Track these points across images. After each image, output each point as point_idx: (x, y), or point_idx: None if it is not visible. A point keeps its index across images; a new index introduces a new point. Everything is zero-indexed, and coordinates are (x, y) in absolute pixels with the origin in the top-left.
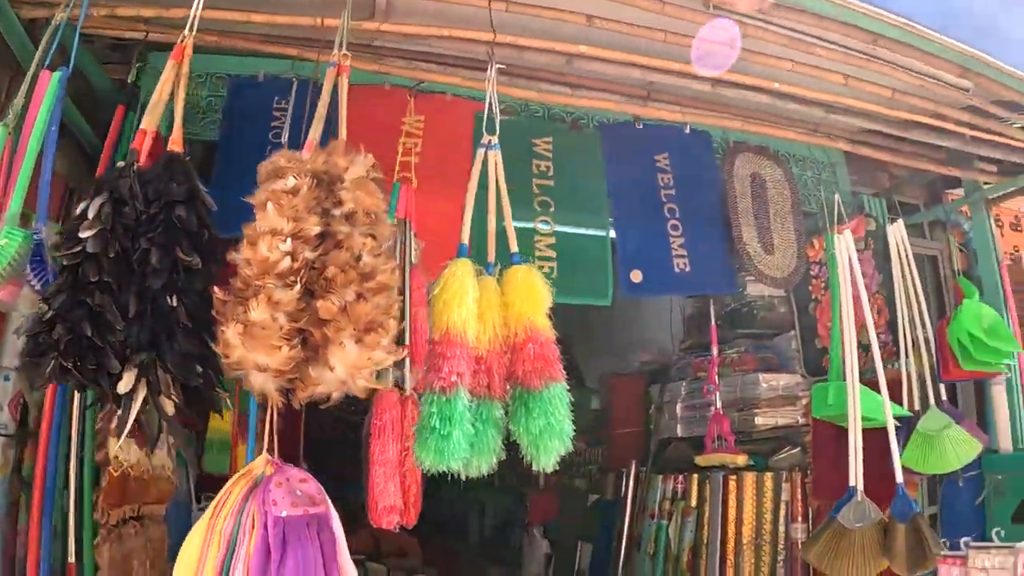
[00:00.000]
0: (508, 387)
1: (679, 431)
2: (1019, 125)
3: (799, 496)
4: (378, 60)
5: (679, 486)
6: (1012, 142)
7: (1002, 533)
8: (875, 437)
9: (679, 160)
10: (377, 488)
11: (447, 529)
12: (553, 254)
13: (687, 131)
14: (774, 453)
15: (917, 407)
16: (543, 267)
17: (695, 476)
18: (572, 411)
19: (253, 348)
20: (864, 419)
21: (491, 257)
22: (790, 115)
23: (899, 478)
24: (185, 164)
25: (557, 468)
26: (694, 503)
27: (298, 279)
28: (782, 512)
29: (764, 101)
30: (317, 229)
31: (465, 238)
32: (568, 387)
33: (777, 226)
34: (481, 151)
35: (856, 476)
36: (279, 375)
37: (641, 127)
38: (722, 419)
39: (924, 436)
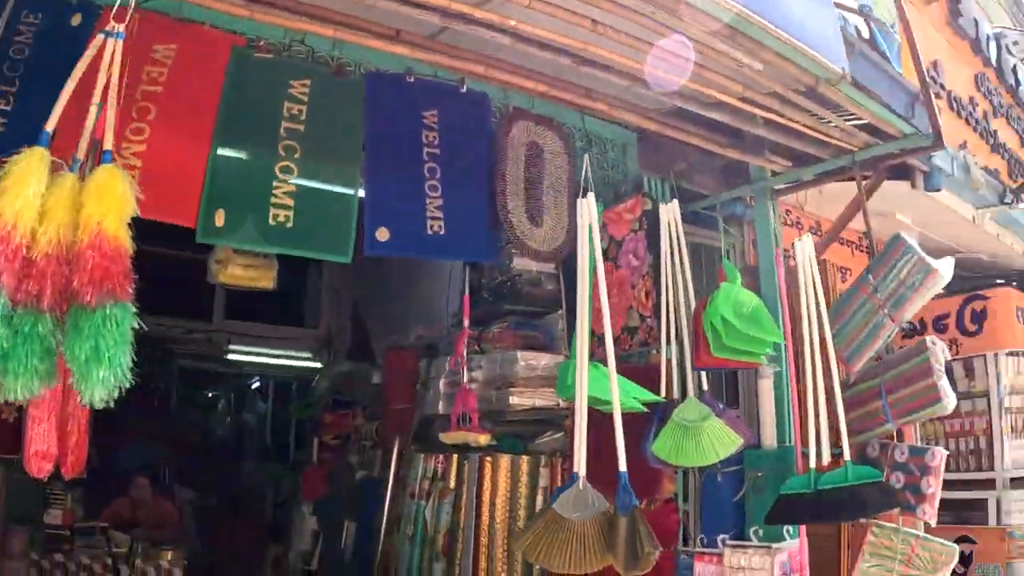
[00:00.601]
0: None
1: (440, 408)
2: (831, 122)
3: (559, 482)
4: None
5: (439, 466)
6: (805, 130)
7: (760, 532)
8: (630, 423)
9: (450, 119)
10: (30, 430)
11: (236, 505)
12: (291, 203)
13: (463, 90)
14: (537, 436)
15: (677, 395)
16: (279, 215)
17: (455, 456)
18: (354, 386)
19: None
20: (598, 401)
21: (81, 153)
22: (546, 69)
23: (622, 466)
24: None
25: (331, 443)
26: (452, 484)
27: None
28: (539, 497)
29: (504, 43)
30: None
31: (49, 126)
32: (353, 359)
33: (549, 199)
34: (100, 37)
35: (579, 462)
36: None
37: (413, 80)
38: (468, 395)
39: (680, 426)
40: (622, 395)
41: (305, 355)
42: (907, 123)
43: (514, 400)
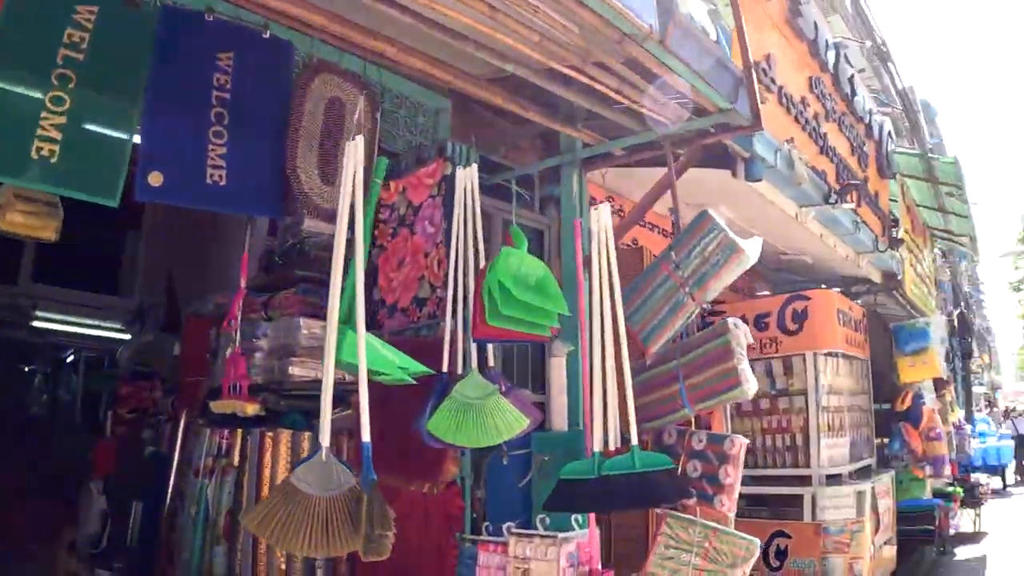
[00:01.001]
0: None
1: None
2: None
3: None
4: None
5: (224, 442)
6: (611, 93)
7: (548, 521)
8: (404, 397)
9: (247, 64)
10: None
11: (36, 485)
12: (59, 136)
13: (266, 35)
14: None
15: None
16: (43, 149)
17: (239, 432)
18: (156, 357)
19: None
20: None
21: None
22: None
23: (365, 437)
24: None
25: (128, 416)
26: (236, 462)
27: None
28: None
29: None
30: None
31: None
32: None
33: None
34: None
35: (324, 432)
36: None
37: (212, 19)
38: (239, 361)
39: (460, 403)
40: (388, 366)
41: (117, 326)
42: (724, 99)
43: (294, 371)
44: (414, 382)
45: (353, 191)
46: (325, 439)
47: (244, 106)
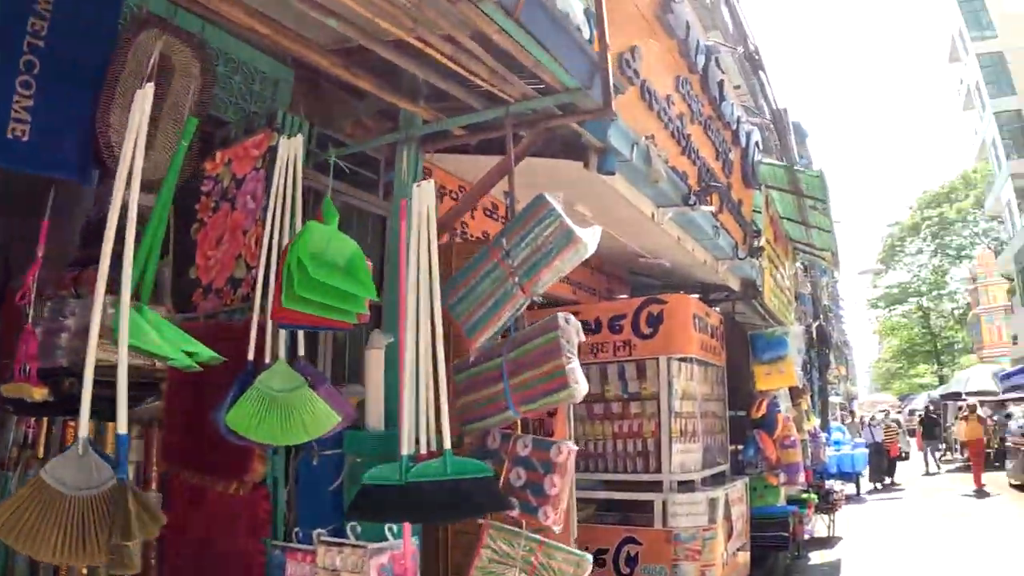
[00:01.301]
0: None
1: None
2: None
3: (153, 457)
4: None
5: (31, 431)
6: (444, 60)
7: (359, 529)
8: (215, 387)
9: (68, 10)
10: None
11: None
12: None
13: None
14: (138, 401)
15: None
16: None
17: (46, 421)
18: None
19: None
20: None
21: None
22: None
23: (122, 428)
24: None
25: None
26: (41, 453)
27: None
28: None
29: None
30: None
31: None
32: None
33: (168, 122)
34: None
35: (83, 420)
36: None
37: None
38: (30, 340)
39: (263, 395)
40: (170, 350)
41: None
42: (571, 78)
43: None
44: (200, 368)
45: (135, 147)
46: (83, 429)
47: (60, 56)
